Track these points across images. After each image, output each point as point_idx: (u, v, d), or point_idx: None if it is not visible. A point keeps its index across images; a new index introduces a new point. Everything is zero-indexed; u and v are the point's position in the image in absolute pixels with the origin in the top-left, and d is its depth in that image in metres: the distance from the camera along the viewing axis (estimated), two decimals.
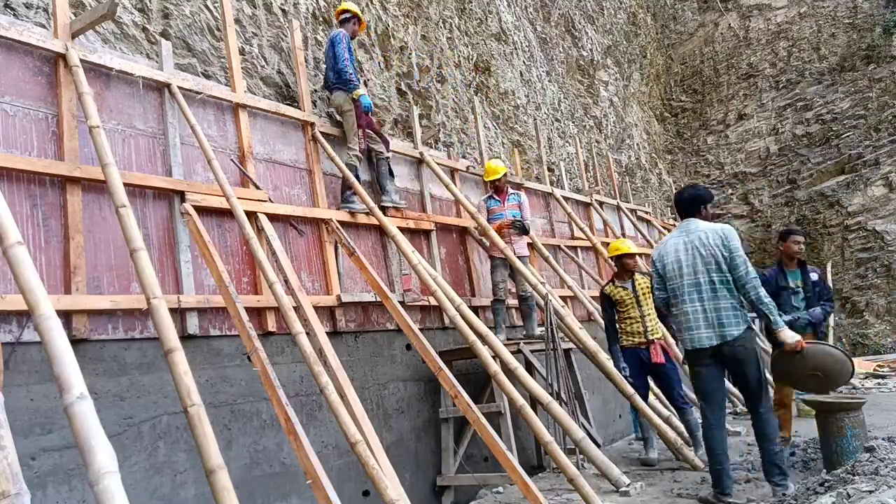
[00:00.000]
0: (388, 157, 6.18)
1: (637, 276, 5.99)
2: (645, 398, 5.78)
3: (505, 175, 6.82)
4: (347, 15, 6.03)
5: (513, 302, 7.45)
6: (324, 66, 6.28)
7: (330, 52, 5.83)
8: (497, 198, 6.81)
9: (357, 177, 5.68)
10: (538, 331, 6.45)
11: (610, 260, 6.87)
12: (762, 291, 4.05)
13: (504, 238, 6.55)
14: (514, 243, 6.59)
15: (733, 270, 4.06)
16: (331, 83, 5.90)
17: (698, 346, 4.13)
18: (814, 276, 5.56)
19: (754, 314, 4.32)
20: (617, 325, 5.90)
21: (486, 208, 6.82)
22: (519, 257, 6.50)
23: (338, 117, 5.99)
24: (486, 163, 7.17)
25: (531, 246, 7.94)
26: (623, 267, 6.02)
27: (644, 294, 5.86)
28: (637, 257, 6.79)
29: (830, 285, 13.63)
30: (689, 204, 4.34)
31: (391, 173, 6.22)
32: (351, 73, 5.75)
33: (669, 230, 13.45)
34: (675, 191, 15.19)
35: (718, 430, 4.17)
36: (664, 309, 4.53)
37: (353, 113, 5.80)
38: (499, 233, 6.56)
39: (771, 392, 4.66)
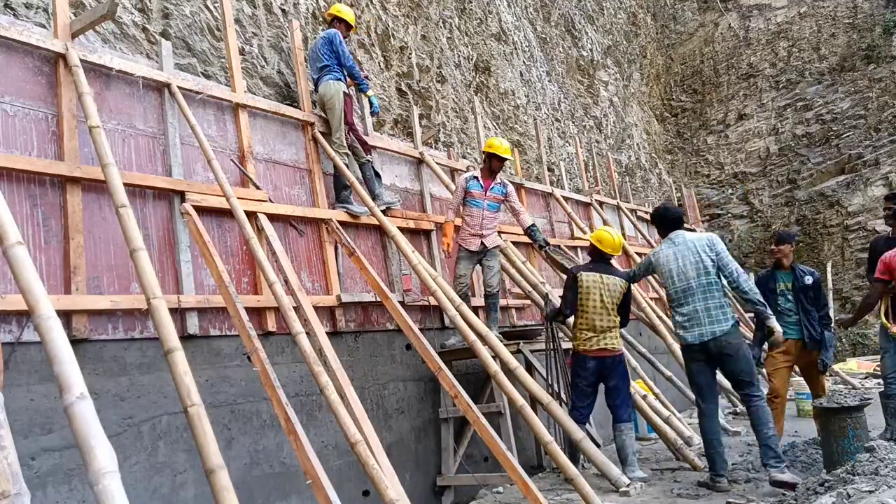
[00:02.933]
0: (369, 161, 5.93)
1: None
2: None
3: (506, 160, 6.20)
4: (333, 19, 5.93)
5: (514, 302, 7.45)
6: (316, 65, 6.27)
7: (325, 49, 5.66)
8: (482, 182, 6.04)
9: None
10: (495, 332, 5.85)
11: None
12: (751, 284, 4.71)
13: (474, 227, 5.96)
14: (486, 237, 5.98)
15: (723, 269, 4.67)
16: (316, 76, 5.74)
17: (692, 342, 4.66)
18: (808, 280, 5.48)
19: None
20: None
21: (464, 189, 6.01)
22: (489, 249, 6.00)
23: (322, 112, 5.77)
24: (491, 138, 6.28)
25: (531, 246, 7.93)
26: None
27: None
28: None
29: (830, 286, 13.66)
30: (676, 221, 4.98)
31: (377, 175, 6.01)
32: (360, 73, 5.76)
33: None
34: (675, 191, 15.19)
35: (712, 419, 4.71)
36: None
37: (342, 107, 5.62)
38: (473, 220, 6.00)
39: (762, 383, 5.02)
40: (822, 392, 5.64)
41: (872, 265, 5.48)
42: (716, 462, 4.63)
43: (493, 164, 6.03)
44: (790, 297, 5.50)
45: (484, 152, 6.19)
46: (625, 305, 5.33)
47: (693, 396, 5.05)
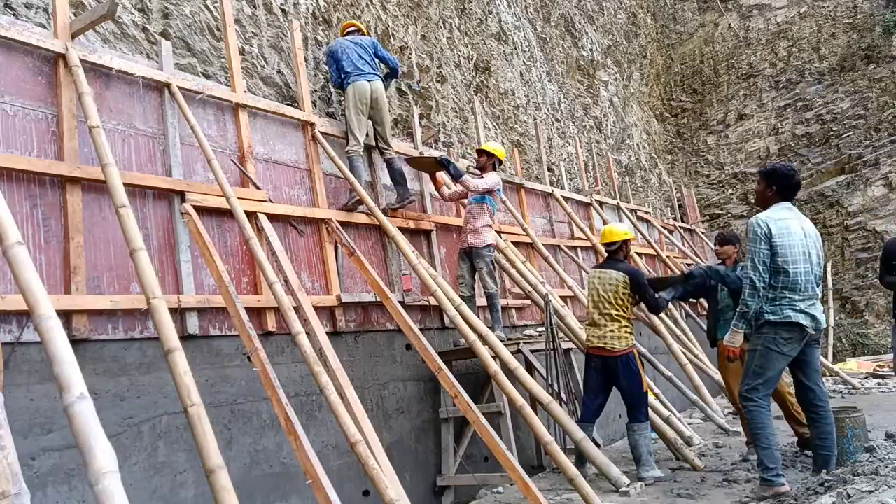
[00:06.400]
0: (393, 156, 6.29)
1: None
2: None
3: (499, 159, 6.32)
4: (353, 29, 6.24)
5: (514, 302, 7.45)
6: (324, 67, 6.29)
7: (372, 52, 6.08)
8: (481, 176, 6.27)
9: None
10: (499, 332, 5.87)
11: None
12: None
13: (463, 226, 6.17)
14: (469, 234, 6.06)
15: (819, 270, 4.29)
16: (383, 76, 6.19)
17: (803, 324, 4.11)
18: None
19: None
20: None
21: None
22: (475, 248, 5.99)
23: (369, 111, 5.97)
24: (484, 144, 6.77)
25: (531, 246, 7.94)
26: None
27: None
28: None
29: (830, 286, 13.66)
30: (796, 189, 4.37)
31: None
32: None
33: (670, 230, 13.43)
34: (675, 191, 15.18)
35: (770, 412, 4.25)
36: (763, 290, 4.17)
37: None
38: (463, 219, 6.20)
39: None
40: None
41: (887, 266, 5.60)
42: (777, 460, 4.13)
43: (478, 160, 6.41)
44: (727, 293, 5.58)
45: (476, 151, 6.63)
46: (640, 293, 5.30)
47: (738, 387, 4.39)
